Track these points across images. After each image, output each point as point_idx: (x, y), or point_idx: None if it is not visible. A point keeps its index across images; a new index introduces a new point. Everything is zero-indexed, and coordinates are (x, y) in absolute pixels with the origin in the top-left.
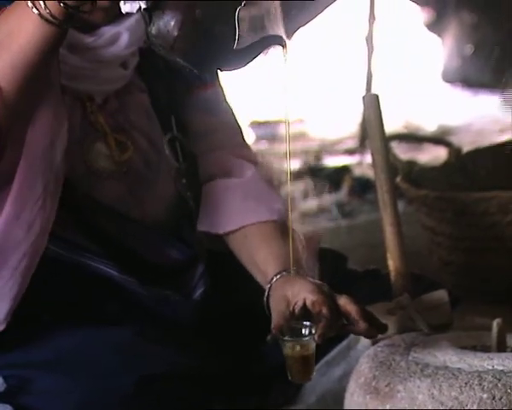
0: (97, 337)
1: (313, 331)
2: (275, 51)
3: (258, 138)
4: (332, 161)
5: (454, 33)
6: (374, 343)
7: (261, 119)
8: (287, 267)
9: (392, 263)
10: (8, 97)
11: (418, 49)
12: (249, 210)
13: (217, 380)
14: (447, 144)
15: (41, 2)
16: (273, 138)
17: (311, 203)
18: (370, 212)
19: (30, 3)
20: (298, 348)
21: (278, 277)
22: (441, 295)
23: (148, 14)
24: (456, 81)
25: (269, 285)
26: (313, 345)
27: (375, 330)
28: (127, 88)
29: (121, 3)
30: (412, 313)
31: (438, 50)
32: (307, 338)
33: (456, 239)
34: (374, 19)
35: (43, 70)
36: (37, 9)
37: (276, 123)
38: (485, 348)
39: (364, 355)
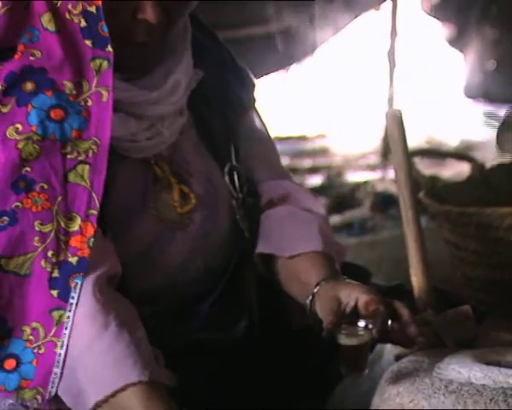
0: None
1: (370, 327)
2: (295, 68)
3: (281, 154)
4: (354, 177)
5: (476, 49)
6: (398, 359)
7: (283, 134)
8: (333, 275)
9: (416, 279)
10: None
11: (440, 64)
12: (311, 238)
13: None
14: (470, 160)
15: None
16: (296, 154)
17: (334, 219)
18: (393, 227)
19: None
20: (355, 340)
21: (324, 283)
22: (465, 310)
23: None
24: (478, 97)
25: (315, 289)
26: (369, 339)
27: (418, 339)
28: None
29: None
30: (436, 329)
31: (460, 66)
32: (363, 332)
33: (480, 254)
34: (396, 34)
35: None
36: None
37: (298, 139)
38: (510, 364)
39: (388, 371)
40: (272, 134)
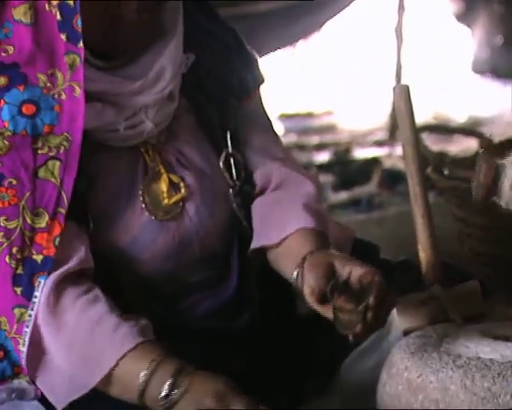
0: None
1: (368, 300)
2: (302, 44)
3: (288, 131)
4: (362, 153)
5: (484, 24)
6: (406, 334)
7: (290, 111)
8: (326, 247)
9: (424, 254)
10: None
11: (448, 40)
12: (297, 218)
13: (251, 379)
14: (478, 135)
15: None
16: (303, 131)
17: (342, 195)
18: (401, 203)
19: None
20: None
21: (316, 252)
22: (473, 285)
23: None
24: (486, 72)
25: (307, 256)
26: (366, 301)
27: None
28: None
29: None
30: (444, 304)
31: (467, 41)
32: (361, 307)
33: (488, 230)
34: (403, 10)
35: None
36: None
37: (305, 116)
38: None
39: (396, 346)
40: (279, 111)
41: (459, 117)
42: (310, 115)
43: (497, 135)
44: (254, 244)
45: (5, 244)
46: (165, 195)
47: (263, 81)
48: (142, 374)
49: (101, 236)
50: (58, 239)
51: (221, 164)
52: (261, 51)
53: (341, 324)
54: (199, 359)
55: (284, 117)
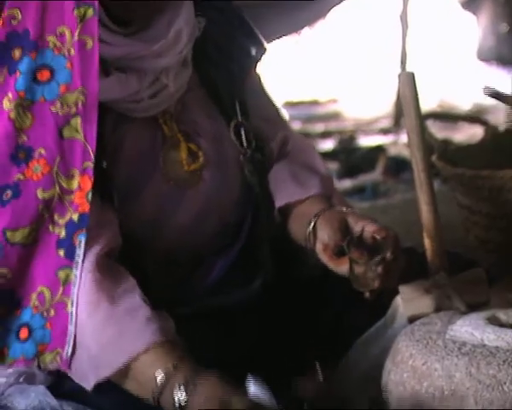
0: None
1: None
2: (307, 32)
3: (292, 119)
4: (367, 141)
5: (489, 11)
6: (411, 322)
7: (295, 99)
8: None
9: (429, 242)
10: None
11: (453, 27)
12: (319, 183)
13: (257, 364)
14: (483, 123)
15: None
16: (308, 119)
17: (346, 183)
18: (405, 191)
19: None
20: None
21: (331, 209)
22: (478, 273)
23: None
24: (491, 59)
25: (320, 213)
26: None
27: None
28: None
29: None
30: (449, 292)
31: (473, 29)
32: (377, 259)
33: (493, 217)
34: None
35: None
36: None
37: (310, 103)
38: None
39: (401, 334)
40: (284, 99)
41: (464, 104)
42: (315, 103)
43: (502, 122)
44: (278, 203)
45: (46, 215)
46: (184, 162)
47: (264, 53)
48: (160, 377)
49: (124, 210)
50: (90, 194)
51: (232, 132)
52: (266, 38)
53: (357, 278)
54: (210, 332)
55: (289, 105)
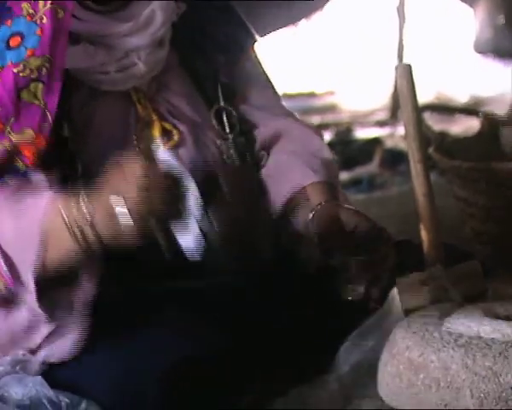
0: (142, 315)
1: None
2: (304, 24)
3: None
4: (363, 133)
5: (486, 4)
6: (407, 314)
7: (292, 91)
8: (335, 200)
9: (425, 234)
10: (47, 275)
11: (450, 19)
12: (309, 171)
13: (253, 357)
14: (480, 115)
15: (79, 236)
16: (305, 111)
17: (343, 175)
18: (402, 183)
19: (68, 232)
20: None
21: (325, 203)
22: (474, 265)
23: None
24: (487, 52)
25: (316, 207)
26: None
27: None
28: (164, 66)
29: (182, 242)
30: (445, 284)
31: (469, 21)
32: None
33: (490, 210)
34: None
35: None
36: (76, 238)
37: (307, 96)
38: None
39: (398, 326)
40: (281, 90)
41: (461, 97)
42: (311, 95)
43: (499, 115)
44: (282, 191)
45: None
46: (158, 141)
47: (254, 41)
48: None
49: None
50: (41, 152)
51: (212, 117)
52: (264, 31)
53: (348, 277)
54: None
55: (286, 97)
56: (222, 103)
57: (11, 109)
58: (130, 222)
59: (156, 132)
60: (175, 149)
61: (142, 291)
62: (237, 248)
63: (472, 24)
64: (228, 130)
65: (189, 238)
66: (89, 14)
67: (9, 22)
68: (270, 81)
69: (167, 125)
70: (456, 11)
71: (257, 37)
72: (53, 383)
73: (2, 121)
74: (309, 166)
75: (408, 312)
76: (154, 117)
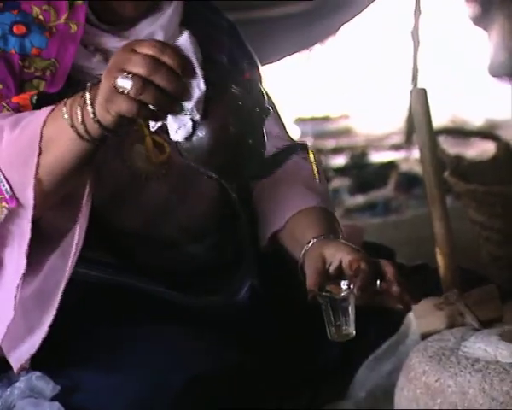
0: (148, 336)
1: (351, 287)
2: (319, 48)
3: (304, 135)
4: (378, 157)
5: (500, 27)
6: (423, 338)
7: (306, 115)
8: (325, 234)
9: (441, 258)
10: (47, 192)
11: (464, 43)
12: (298, 197)
13: (266, 379)
14: (495, 138)
15: (80, 122)
16: (319, 135)
17: (358, 199)
18: (417, 207)
19: (69, 121)
20: (337, 302)
21: (315, 240)
22: (491, 289)
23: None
24: (502, 75)
25: (306, 247)
26: (352, 300)
27: (406, 299)
28: None
29: (172, 132)
30: (462, 308)
31: (484, 44)
32: (345, 293)
33: (506, 234)
34: (419, 13)
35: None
36: (76, 127)
37: (322, 119)
38: None
39: (414, 350)
40: (295, 115)
41: (476, 120)
42: (326, 119)
43: None
44: (265, 233)
45: None
46: (150, 154)
47: (257, 66)
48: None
49: None
50: (35, 98)
51: None
52: (278, 55)
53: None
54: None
55: (300, 121)
56: None
57: (14, 91)
58: (133, 104)
59: (148, 145)
60: (169, 164)
61: (151, 311)
62: (225, 156)
63: (486, 47)
64: None
65: (182, 132)
66: (93, 29)
67: (16, 12)
68: (275, 109)
69: (158, 139)
70: (470, 35)
71: (257, 63)
72: (68, 408)
73: (3, 98)
74: (305, 193)
75: (424, 336)
76: (146, 131)
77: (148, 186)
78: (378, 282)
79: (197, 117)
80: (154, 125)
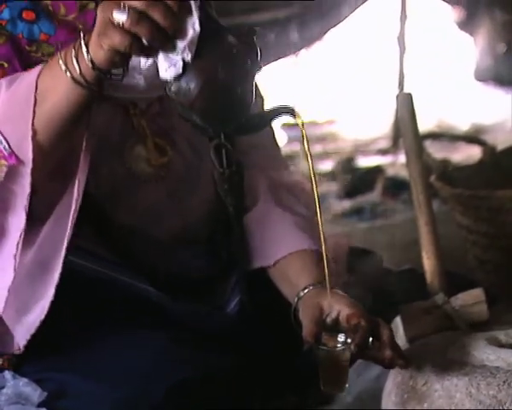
0: (132, 342)
1: (348, 341)
2: (305, 53)
3: (290, 140)
4: (365, 162)
5: (486, 32)
6: (410, 342)
7: (292, 120)
8: (320, 281)
9: (428, 262)
10: (45, 147)
11: (450, 48)
12: (291, 239)
13: (251, 385)
14: (481, 143)
15: (75, 65)
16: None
17: (345, 204)
18: (404, 211)
19: (63, 66)
20: (333, 356)
21: (311, 288)
22: (477, 293)
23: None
24: (488, 80)
25: (301, 293)
26: (348, 355)
27: (397, 362)
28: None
29: (162, 70)
30: (448, 312)
31: (470, 49)
32: (343, 347)
33: (492, 237)
34: (405, 18)
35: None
36: (70, 72)
37: (308, 124)
38: None
39: None
40: (282, 120)
41: (462, 125)
42: (312, 124)
43: (501, 142)
44: (253, 265)
45: None
46: (150, 156)
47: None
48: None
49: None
50: None
51: (211, 151)
52: (264, 60)
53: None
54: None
55: (287, 126)
56: (222, 140)
57: (19, 71)
58: (126, 37)
59: (149, 147)
60: (169, 167)
61: (138, 315)
62: (212, 100)
63: (472, 52)
64: (225, 165)
65: (171, 71)
66: None
67: (26, 1)
68: (271, 129)
69: (160, 142)
70: (456, 40)
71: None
72: None
73: (5, 76)
74: (296, 233)
75: (411, 340)
76: (148, 133)
77: (146, 188)
78: (371, 339)
79: (188, 58)
80: (144, 63)
